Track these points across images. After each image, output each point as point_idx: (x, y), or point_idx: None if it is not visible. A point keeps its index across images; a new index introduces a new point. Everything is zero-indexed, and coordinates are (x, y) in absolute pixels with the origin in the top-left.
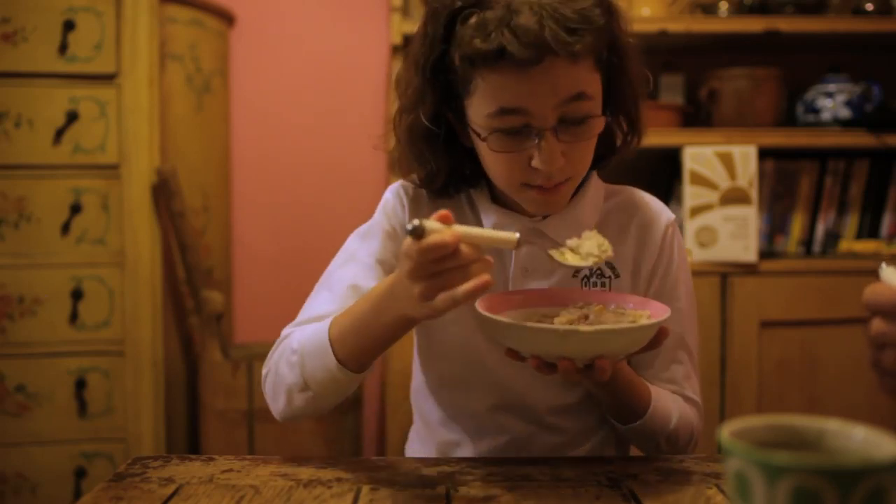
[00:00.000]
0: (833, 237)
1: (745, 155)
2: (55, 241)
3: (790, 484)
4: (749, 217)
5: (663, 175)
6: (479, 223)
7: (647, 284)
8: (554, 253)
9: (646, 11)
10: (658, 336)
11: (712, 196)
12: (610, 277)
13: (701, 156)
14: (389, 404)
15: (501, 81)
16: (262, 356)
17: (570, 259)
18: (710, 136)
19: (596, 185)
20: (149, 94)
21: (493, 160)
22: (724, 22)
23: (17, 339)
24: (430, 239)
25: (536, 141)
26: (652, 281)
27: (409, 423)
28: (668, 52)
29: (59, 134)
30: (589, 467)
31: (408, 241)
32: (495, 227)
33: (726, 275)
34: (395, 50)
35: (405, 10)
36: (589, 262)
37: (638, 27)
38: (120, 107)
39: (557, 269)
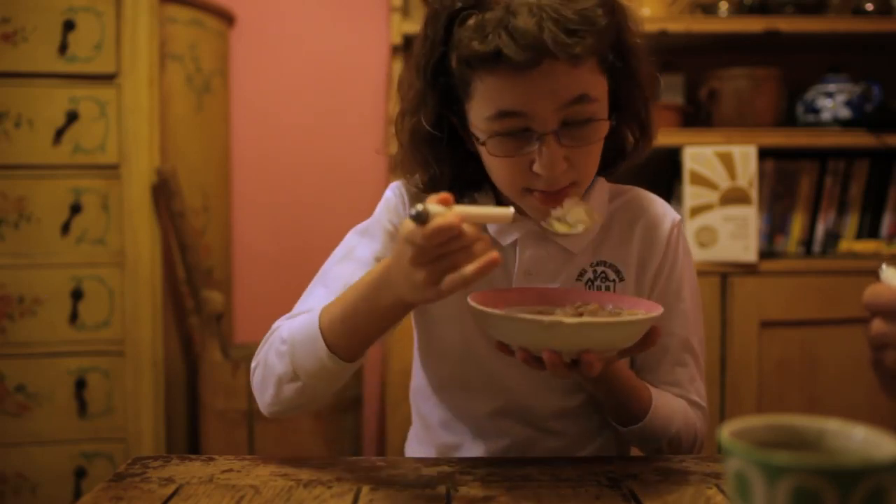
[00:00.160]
0: (833, 237)
1: (745, 155)
2: (55, 241)
3: (790, 484)
4: (749, 217)
5: (663, 175)
6: (483, 227)
7: (652, 285)
8: (544, 224)
9: (646, 11)
10: (650, 336)
11: (712, 196)
12: (615, 281)
13: (701, 156)
14: (389, 404)
15: (499, 84)
16: None
17: (560, 228)
18: (710, 136)
19: (601, 187)
20: (149, 94)
21: (494, 165)
22: (724, 22)
23: (17, 339)
24: (436, 222)
25: (537, 145)
26: (656, 282)
27: (409, 423)
28: (668, 52)
29: (59, 134)
30: (589, 467)
31: (409, 226)
32: (500, 231)
33: (726, 275)
34: (395, 50)
35: (405, 10)
36: (579, 230)
37: None
38: (120, 107)
39: (561, 273)
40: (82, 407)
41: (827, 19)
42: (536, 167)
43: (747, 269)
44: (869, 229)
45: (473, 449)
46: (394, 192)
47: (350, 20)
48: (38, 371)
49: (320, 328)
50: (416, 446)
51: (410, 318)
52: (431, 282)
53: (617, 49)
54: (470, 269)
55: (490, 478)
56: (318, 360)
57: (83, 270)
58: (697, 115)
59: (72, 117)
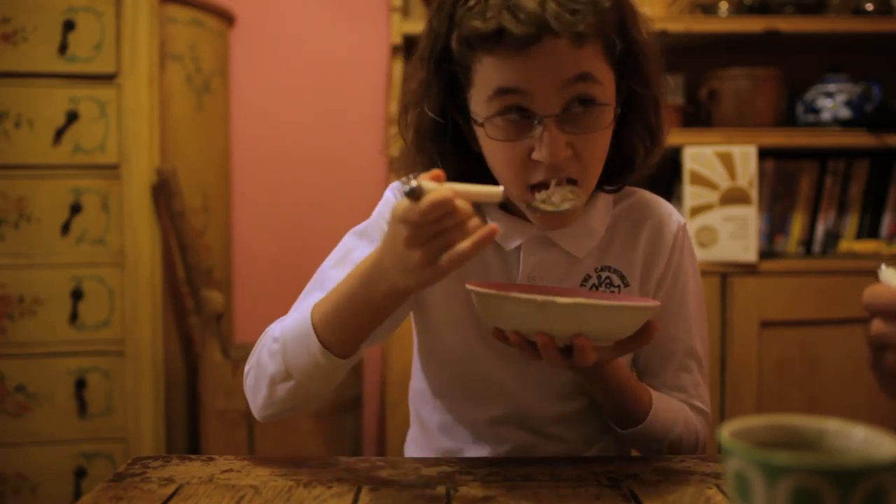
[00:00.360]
0: (833, 237)
1: (745, 155)
2: (55, 241)
3: (790, 484)
4: (749, 217)
5: (663, 175)
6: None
7: (656, 289)
8: (529, 208)
9: (646, 11)
10: (646, 329)
11: (712, 196)
12: (619, 286)
13: (701, 156)
14: (389, 404)
15: (499, 63)
16: None
17: (546, 208)
18: (710, 136)
19: (603, 201)
20: (149, 94)
21: (494, 156)
22: (724, 22)
23: (17, 339)
24: (431, 196)
25: (538, 130)
26: (661, 286)
27: (409, 423)
28: (668, 52)
29: (59, 134)
30: (589, 467)
31: (402, 206)
32: (503, 234)
33: (726, 275)
34: (395, 50)
35: (405, 10)
36: (566, 207)
37: None
38: (120, 107)
39: (565, 278)
40: (82, 407)
41: (827, 19)
42: (536, 154)
43: (747, 269)
44: (869, 229)
45: (473, 454)
46: (394, 193)
47: (350, 20)
48: (38, 371)
49: (312, 323)
50: (415, 450)
51: (410, 320)
52: (428, 261)
53: (623, 40)
54: (466, 243)
55: (490, 478)
56: (310, 357)
57: (83, 270)
58: (697, 115)
59: (72, 117)
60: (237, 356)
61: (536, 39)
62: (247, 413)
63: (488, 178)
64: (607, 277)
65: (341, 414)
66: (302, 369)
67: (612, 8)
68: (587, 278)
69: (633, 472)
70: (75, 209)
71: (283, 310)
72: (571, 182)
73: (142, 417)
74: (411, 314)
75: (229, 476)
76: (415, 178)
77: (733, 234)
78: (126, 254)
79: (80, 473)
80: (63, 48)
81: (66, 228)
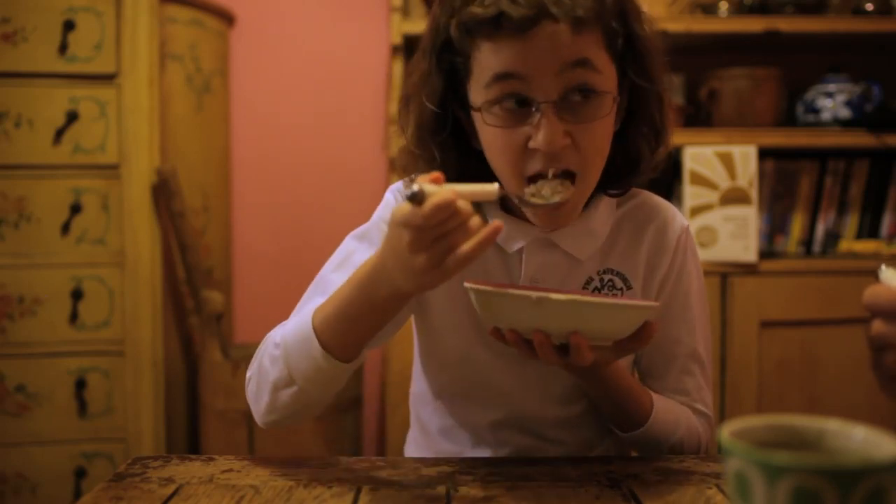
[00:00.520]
0: (833, 237)
1: (745, 155)
2: (55, 241)
3: (790, 484)
4: (749, 217)
5: (663, 175)
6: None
7: (659, 291)
8: (519, 200)
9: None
10: (645, 330)
11: (712, 196)
12: (622, 289)
13: (701, 156)
14: (389, 404)
15: (498, 48)
16: None
17: (536, 200)
18: (710, 136)
19: (605, 205)
20: (149, 94)
21: (492, 147)
22: (724, 22)
23: (17, 339)
24: (434, 200)
25: (536, 118)
26: (663, 289)
27: (409, 423)
28: (669, 52)
29: (59, 134)
30: (589, 467)
31: (403, 210)
32: (505, 237)
33: (726, 275)
34: (395, 50)
35: (405, 10)
36: (556, 199)
37: None
38: (120, 107)
39: (567, 281)
40: (82, 407)
41: (827, 19)
42: (533, 142)
43: (747, 269)
44: (869, 229)
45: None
46: (394, 195)
47: (350, 20)
48: (38, 371)
49: (313, 327)
50: (415, 452)
51: (411, 322)
52: (432, 265)
53: (624, 31)
54: (470, 244)
55: (490, 478)
56: (312, 361)
57: (83, 270)
58: (697, 115)
59: (72, 117)
60: (237, 356)
61: (534, 23)
62: (247, 413)
63: (488, 176)
64: (610, 280)
65: (341, 414)
66: (304, 374)
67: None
68: (589, 281)
69: (633, 473)
70: (75, 209)
71: (284, 310)
72: (567, 175)
73: (142, 417)
74: (412, 317)
75: (229, 476)
76: (415, 181)
77: (733, 234)
78: (126, 254)
79: (80, 473)
80: (63, 48)
81: (66, 228)
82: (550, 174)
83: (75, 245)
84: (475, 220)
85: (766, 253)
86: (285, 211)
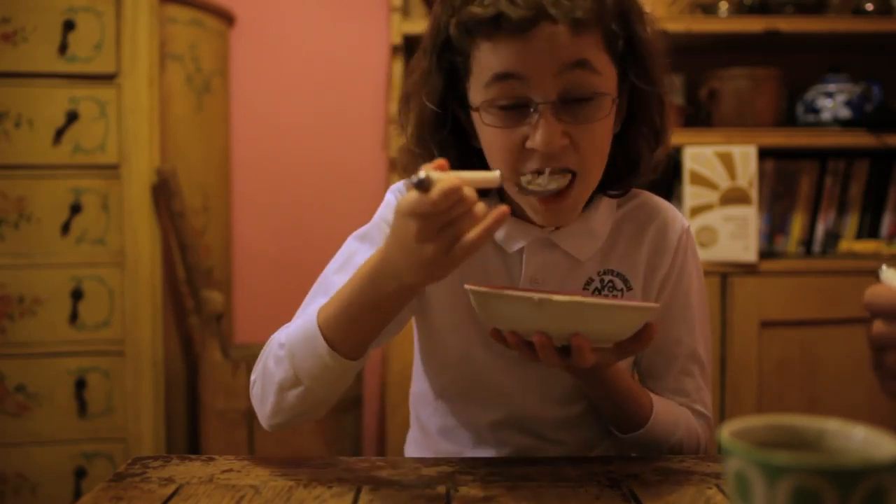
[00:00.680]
0: (833, 237)
1: (745, 155)
2: (55, 241)
3: (790, 484)
4: (749, 217)
5: (663, 175)
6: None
7: (659, 292)
8: (515, 189)
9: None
10: (645, 332)
11: (712, 196)
12: (622, 290)
13: (701, 156)
14: (389, 404)
15: (497, 48)
16: None
17: (536, 188)
18: (710, 136)
19: (605, 206)
20: (149, 94)
21: (489, 142)
22: (724, 22)
23: (17, 339)
24: (441, 186)
25: (534, 118)
26: (664, 289)
27: (409, 423)
28: (669, 52)
29: (59, 134)
30: (589, 467)
31: (410, 199)
32: (506, 237)
33: (726, 275)
34: (395, 50)
35: (405, 10)
36: (552, 187)
37: None
38: (120, 107)
39: (567, 281)
40: (82, 407)
41: (827, 19)
42: (530, 142)
43: (747, 269)
44: (869, 229)
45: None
46: (395, 195)
47: (350, 20)
48: (38, 371)
49: (318, 325)
50: (415, 452)
51: (411, 322)
52: (440, 253)
53: (625, 33)
54: (476, 231)
55: (490, 478)
56: (318, 359)
57: (83, 270)
58: (697, 115)
59: (72, 117)
60: (237, 356)
61: (533, 24)
62: (247, 413)
63: None
64: (610, 281)
65: (341, 414)
66: (310, 373)
67: (613, 1)
68: (590, 281)
69: (633, 473)
70: (75, 209)
71: (284, 310)
72: (565, 171)
73: (142, 417)
74: (413, 317)
75: (229, 476)
76: (421, 169)
77: (733, 234)
78: (126, 254)
79: (80, 473)
80: (63, 48)
81: (66, 228)
82: (548, 172)
83: (75, 245)
84: (480, 206)
85: (766, 253)
86: (285, 211)
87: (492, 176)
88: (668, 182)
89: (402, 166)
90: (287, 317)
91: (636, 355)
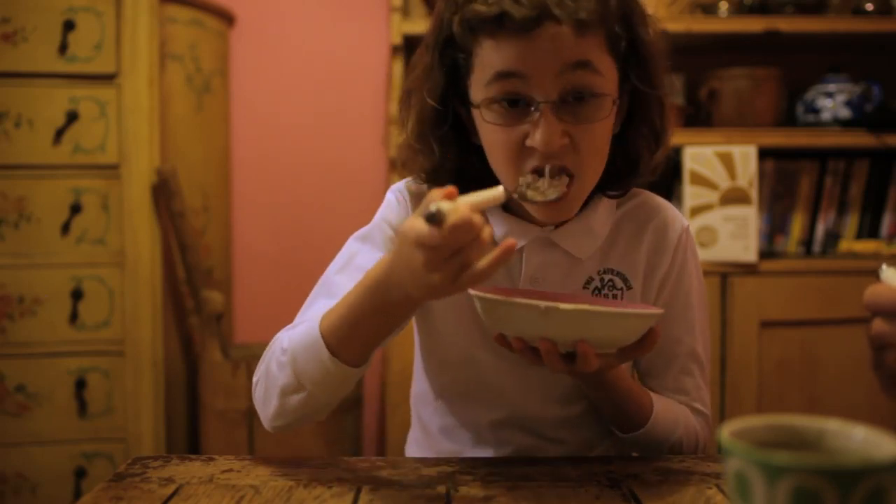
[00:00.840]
0: (833, 237)
1: (745, 155)
2: (55, 241)
3: (790, 484)
4: (749, 217)
5: (663, 175)
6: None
7: (659, 291)
8: (515, 195)
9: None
10: (649, 337)
11: (712, 196)
12: (622, 289)
13: (701, 156)
14: (389, 404)
15: (500, 47)
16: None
17: (532, 195)
18: (710, 136)
19: (604, 206)
20: (149, 94)
21: (490, 140)
22: (724, 22)
23: (17, 339)
24: (453, 220)
25: (534, 117)
26: (663, 289)
27: (409, 423)
28: (669, 52)
29: (59, 134)
30: (589, 467)
31: (417, 229)
32: (505, 236)
33: (726, 275)
34: (395, 50)
35: (405, 10)
36: (552, 196)
37: None
38: (120, 107)
39: (567, 280)
40: (82, 407)
41: (827, 19)
42: (530, 140)
43: (747, 269)
44: (869, 229)
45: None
46: (395, 195)
47: (350, 20)
48: (38, 371)
49: (321, 333)
50: (416, 451)
51: (412, 323)
52: (449, 281)
53: (628, 35)
54: (484, 263)
55: (490, 478)
56: (320, 365)
57: (83, 270)
58: (697, 115)
59: (72, 117)
60: (237, 356)
61: (537, 24)
62: (247, 413)
63: (487, 172)
64: (610, 280)
65: (341, 414)
66: (312, 379)
67: (617, 0)
68: (590, 280)
69: (633, 473)
70: (75, 209)
71: (284, 310)
72: (563, 171)
73: (142, 417)
74: (413, 318)
75: (229, 476)
76: (431, 202)
77: (733, 234)
78: (126, 254)
79: (80, 473)
80: (63, 48)
81: (66, 228)
82: (547, 170)
83: (75, 245)
84: (487, 232)
85: (766, 253)
86: (285, 211)
87: (495, 194)
88: (668, 182)
89: (402, 161)
90: (287, 317)
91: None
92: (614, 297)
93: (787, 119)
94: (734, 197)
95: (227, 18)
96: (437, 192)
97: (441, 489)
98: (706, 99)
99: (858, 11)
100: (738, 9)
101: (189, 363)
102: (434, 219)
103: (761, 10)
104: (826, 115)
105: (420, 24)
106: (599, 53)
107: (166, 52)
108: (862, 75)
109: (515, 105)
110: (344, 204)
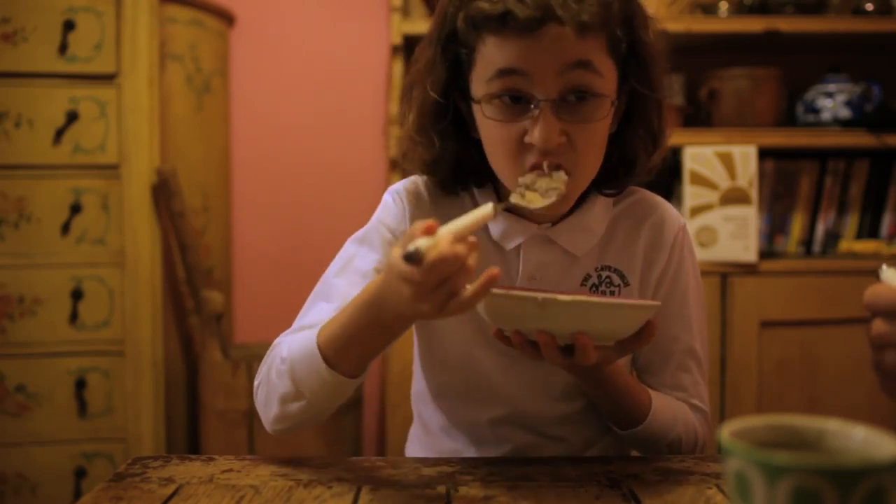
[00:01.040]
0: (833, 237)
1: (745, 155)
2: (55, 241)
3: (790, 484)
4: (749, 217)
5: (663, 175)
6: (484, 228)
7: (656, 288)
8: (515, 198)
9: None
10: (646, 330)
11: (712, 196)
12: (619, 286)
13: (701, 156)
14: (389, 404)
15: (502, 44)
16: (262, 356)
17: (535, 201)
18: (710, 136)
19: (601, 204)
20: (149, 94)
21: (489, 136)
22: (724, 22)
23: (17, 339)
24: (431, 258)
25: (534, 114)
26: (660, 286)
27: (409, 423)
28: (669, 52)
29: (59, 134)
30: (589, 467)
31: (402, 268)
32: (502, 234)
33: (726, 275)
34: (395, 50)
35: (405, 10)
36: (553, 198)
37: None
38: (120, 107)
39: (565, 278)
40: (82, 407)
41: (827, 19)
42: (529, 137)
43: (747, 269)
44: (869, 229)
45: (474, 455)
46: (392, 198)
47: (350, 20)
48: (38, 371)
49: (318, 346)
50: (417, 448)
51: None
52: (436, 310)
53: (628, 37)
54: (468, 294)
55: (490, 478)
56: (318, 376)
57: (83, 270)
58: (697, 115)
59: (72, 117)
60: (237, 356)
61: (540, 24)
62: (247, 413)
63: (485, 165)
64: (607, 277)
65: (341, 414)
66: (311, 388)
67: (619, 3)
68: (587, 278)
69: (633, 472)
70: (75, 209)
71: (284, 310)
72: (560, 167)
73: (142, 417)
74: None
75: (229, 476)
76: (411, 243)
77: (733, 234)
78: (126, 254)
79: (80, 473)
80: (63, 48)
81: (66, 228)
82: (546, 166)
83: (75, 245)
84: (473, 259)
85: (766, 253)
86: (285, 211)
87: (485, 213)
88: (668, 182)
89: (403, 153)
90: (287, 317)
91: (634, 352)
92: (612, 293)
93: (787, 119)
94: (734, 197)
95: (227, 18)
96: (418, 226)
97: (441, 489)
98: (706, 99)
99: (858, 11)
100: (738, 9)
101: (189, 363)
102: (413, 258)
103: (761, 10)
104: (826, 115)
105: (420, 24)
106: (600, 55)
107: (166, 52)
108: (862, 75)
109: (516, 102)
110: (344, 204)
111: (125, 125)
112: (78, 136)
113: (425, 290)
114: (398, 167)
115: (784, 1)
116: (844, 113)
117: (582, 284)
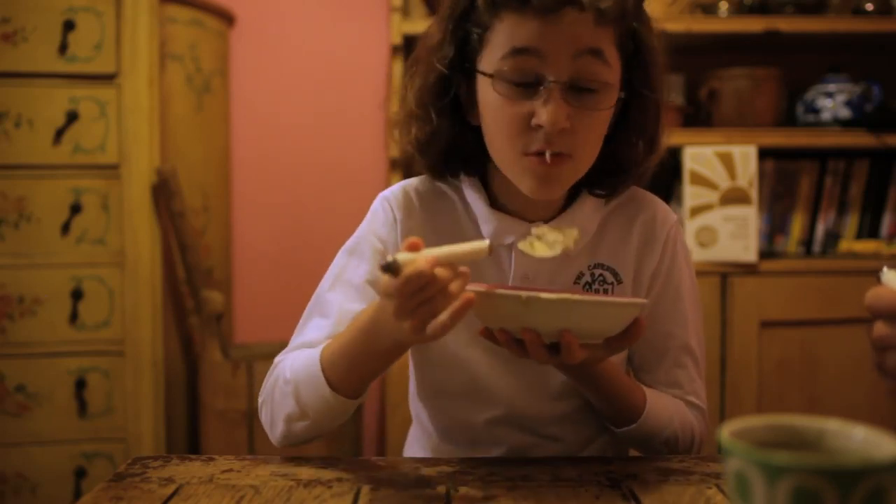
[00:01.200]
0: (833, 237)
1: (745, 155)
2: (55, 241)
3: (790, 484)
4: (749, 217)
5: (663, 175)
6: (476, 229)
7: (650, 285)
8: (523, 245)
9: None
10: (634, 327)
11: (712, 196)
12: (612, 283)
13: (701, 156)
14: (389, 404)
15: (521, 23)
16: (262, 356)
17: (541, 251)
18: (710, 136)
19: (591, 204)
20: (149, 94)
21: (493, 116)
22: (724, 22)
23: (17, 339)
24: (407, 271)
25: (543, 96)
26: (654, 283)
27: (409, 423)
28: (669, 52)
29: (59, 134)
30: (589, 467)
31: (384, 279)
32: (495, 233)
33: (726, 275)
34: (395, 50)
35: (405, 10)
36: (557, 251)
37: None
38: (120, 107)
39: (558, 276)
40: (82, 407)
41: (827, 19)
42: (536, 119)
43: (747, 269)
44: (869, 229)
45: (471, 456)
46: (381, 206)
47: (350, 20)
48: (38, 371)
49: (322, 369)
50: (417, 449)
51: None
52: (418, 330)
53: (634, 39)
54: (444, 316)
55: (490, 478)
56: (322, 399)
57: (83, 270)
58: (697, 115)
59: (72, 117)
60: (237, 356)
61: (561, 6)
62: (247, 413)
63: (481, 152)
64: (600, 275)
65: None
66: (315, 409)
67: (633, 2)
68: (580, 276)
69: (633, 472)
70: (75, 209)
71: (284, 310)
72: (562, 156)
73: (142, 417)
74: None
75: (229, 476)
76: (390, 255)
77: (733, 234)
78: (126, 254)
79: (80, 473)
80: (63, 48)
81: (66, 228)
82: (548, 155)
83: (75, 245)
84: (455, 284)
85: (766, 253)
86: (285, 211)
87: (478, 248)
88: (668, 182)
89: (399, 127)
90: (287, 317)
91: (628, 350)
92: (605, 291)
93: (787, 119)
94: (734, 197)
95: (227, 18)
96: (404, 243)
97: (441, 489)
98: (706, 99)
99: (858, 11)
100: (738, 9)
101: (189, 363)
102: (389, 269)
103: (761, 10)
104: (826, 115)
105: (420, 24)
106: (610, 46)
107: (166, 52)
108: (862, 75)
109: (526, 81)
110: (344, 204)
111: (125, 125)
112: (78, 136)
113: (406, 306)
114: (398, 167)
115: (784, 1)
116: (844, 113)
117: (575, 282)
